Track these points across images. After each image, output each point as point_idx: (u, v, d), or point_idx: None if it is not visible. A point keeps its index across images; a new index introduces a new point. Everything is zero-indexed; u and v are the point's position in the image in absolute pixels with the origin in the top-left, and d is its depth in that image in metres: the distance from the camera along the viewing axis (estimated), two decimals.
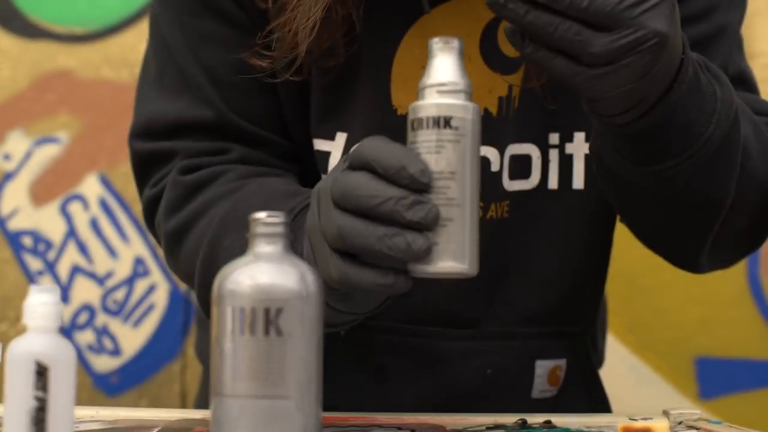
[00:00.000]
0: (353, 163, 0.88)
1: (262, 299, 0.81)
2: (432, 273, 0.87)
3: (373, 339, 1.19)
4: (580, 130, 1.19)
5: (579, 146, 1.19)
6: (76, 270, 2.08)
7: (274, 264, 0.83)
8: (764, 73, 1.97)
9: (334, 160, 1.17)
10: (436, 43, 0.89)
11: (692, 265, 1.17)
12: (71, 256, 2.07)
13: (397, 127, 1.09)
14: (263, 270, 0.82)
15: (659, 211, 1.10)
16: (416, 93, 0.90)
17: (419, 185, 0.85)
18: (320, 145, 1.18)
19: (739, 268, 1.96)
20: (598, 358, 1.35)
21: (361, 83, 1.16)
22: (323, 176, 1.11)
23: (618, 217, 1.24)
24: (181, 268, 1.17)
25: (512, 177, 1.18)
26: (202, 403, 1.39)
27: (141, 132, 1.21)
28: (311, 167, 1.20)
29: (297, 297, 0.82)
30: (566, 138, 1.19)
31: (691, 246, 1.13)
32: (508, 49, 1.11)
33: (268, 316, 0.81)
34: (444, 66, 0.89)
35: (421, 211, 0.85)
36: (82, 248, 2.06)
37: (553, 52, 0.90)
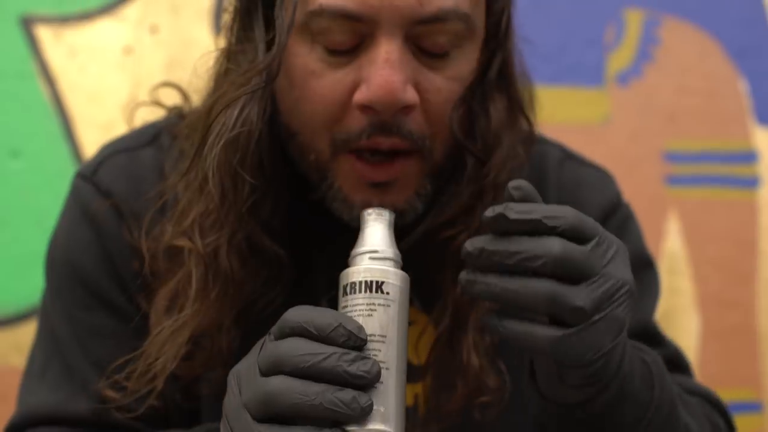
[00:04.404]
0: (281, 333, 0.87)
1: None
2: None
3: None
4: None
5: None
6: None
7: None
8: None
9: None
10: (369, 213, 0.93)
11: None
12: None
13: None
14: None
15: None
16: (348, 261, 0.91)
17: (357, 341, 0.85)
18: None
19: None
20: None
21: None
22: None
23: None
24: None
25: None
26: None
27: (17, 425, 1.15)
28: None
29: None
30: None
31: None
32: (413, 357, 1.07)
33: None
34: (376, 234, 0.92)
35: (365, 365, 0.84)
36: None
37: (531, 323, 0.89)
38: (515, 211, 0.88)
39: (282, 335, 0.86)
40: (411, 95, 0.98)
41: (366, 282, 0.88)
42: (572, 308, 0.87)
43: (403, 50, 0.98)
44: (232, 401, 0.88)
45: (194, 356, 1.06)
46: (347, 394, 0.83)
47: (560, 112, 2.03)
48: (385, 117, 0.98)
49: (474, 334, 1.06)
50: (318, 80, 1.00)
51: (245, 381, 0.87)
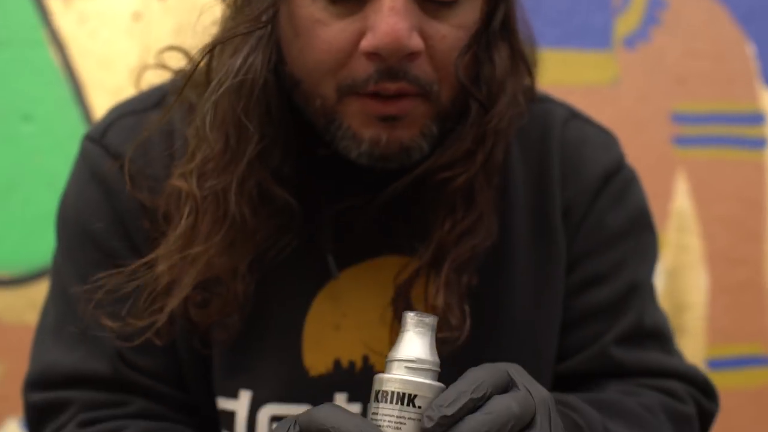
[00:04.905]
0: (306, 429, 0.87)
1: None
2: None
3: None
4: None
5: None
6: None
7: None
8: (697, 324, 2.00)
9: (240, 421, 1.13)
10: (411, 318, 0.89)
11: None
12: None
13: (309, 387, 1.13)
14: None
15: None
16: (384, 364, 0.89)
17: None
18: (224, 403, 1.14)
19: None
20: None
21: (268, 343, 1.13)
22: None
23: None
24: None
25: None
26: None
27: (35, 382, 1.16)
28: (211, 423, 1.17)
29: None
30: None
31: None
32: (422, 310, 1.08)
33: None
34: (414, 342, 0.89)
35: None
36: None
37: None
38: (445, 406, 0.86)
39: None
40: (416, 42, 0.99)
41: (398, 394, 0.87)
42: None
43: None
44: None
45: (210, 303, 1.07)
46: None
47: (568, 75, 2.03)
48: (392, 63, 0.99)
49: (448, 273, 1.07)
50: (323, 29, 1.00)
51: None
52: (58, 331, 1.16)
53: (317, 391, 1.12)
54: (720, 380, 1.86)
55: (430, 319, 0.89)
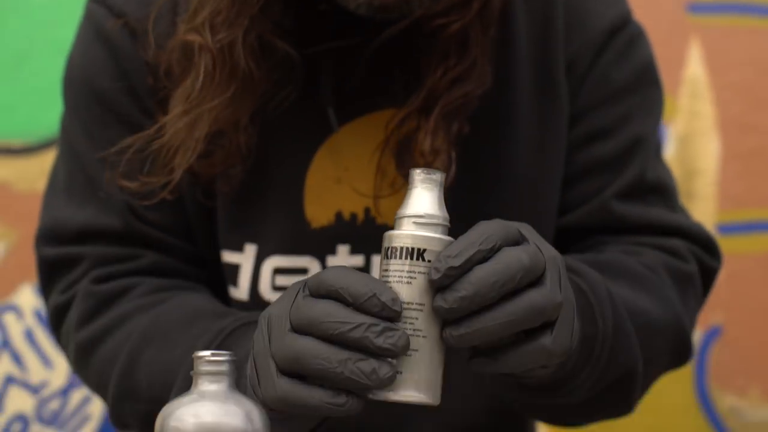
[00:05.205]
0: (316, 291, 0.87)
1: None
2: (393, 400, 0.86)
3: None
4: None
5: None
6: (9, 380, 2.05)
7: (218, 403, 0.80)
8: (708, 190, 2.00)
9: (244, 272, 1.15)
10: (418, 174, 0.89)
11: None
12: (5, 365, 2.05)
13: (311, 238, 1.14)
14: (207, 409, 0.80)
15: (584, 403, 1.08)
16: (393, 221, 0.88)
17: (390, 313, 0.84)
18: (228, 257, 1.16)
19: (687, 377, 1.96)
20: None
21: (271, 196, 1.14)
22: (273, 301, 1.09)
23: None
24: (92, 378, 1.16)
25: None
26: None
27: (47, 236, 1.19)
28: (216, 275, 1.19)
29: None
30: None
31: (620, 407, 1.13)
32: (426, 161, 1.09)
33: None
34: (423, 197, 0.88)
35: (391, 338, 0.83)
36: (17, 358, 2.04)
37: (516, 345, 0.88)
38: (452, 257, 0.85)
39: (318, 294, 0.87)
40: None
41: (407, 248, 0.86)
42: (556, 305, 0.87)
43: None
44: (260, 345, 0.89)
45: (213, 154, 1.08)
46: (369, 365, 0.83)
47: None
48: None
49: (438, 119, 1.07)
50: None
51: (276, 331, 0.87)
52: (68, 189, 1.18)
53: (319, 243, 1.14)
54: (730, 245, 1.89)
55: (437, 175, 0.89)
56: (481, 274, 0.84)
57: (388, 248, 0.87)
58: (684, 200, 1.29)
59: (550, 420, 1.17)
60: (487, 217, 1.14)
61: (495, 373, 0.91)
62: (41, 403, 2.05)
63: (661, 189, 1.22)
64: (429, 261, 0.86)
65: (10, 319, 1.99)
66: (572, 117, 1.19)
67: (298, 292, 0.88)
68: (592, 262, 1.10)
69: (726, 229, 1.96)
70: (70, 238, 1.17)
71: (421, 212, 0.87)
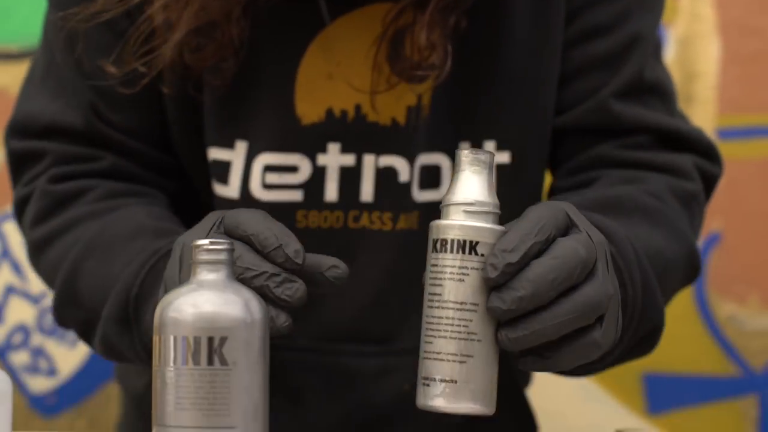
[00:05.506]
0: (231, 231, 0.89)
1: (206, 328, 0.78)
2: (449, 411, 0.82)
3: (283, 358, 1.13)
4: (489, 138, 1.16)
5: None
6: (10, 290, 2.06)
7: (217, 292, 0.80)
8: (707, 93, 1.98)
9: (235, 170, 1.15)
10: (465, 155, 0.83)
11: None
12: (5, 275, 2.05)
13: (301, 135, 1.13)
14: (206, 298, 0.79)
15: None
16: (440, 208, 0.84)
17: (292, 265, 0.85)
18: (217, 154, 1.16)
19: None
20: (523, 377, 1.31)
21: (262, 92, 1.14)
22: (263, 200, 1.10)
23: None
24: (42, 276, 1.19)
25: (422, 187, 1.16)
26: (127, 424, 1.37)
27: (17, 129, 1.20)
28: (199, 181, 1.19)
29: (241, 325, 0.79)
30: (476, 147, 1.16)
31: (644, 352, 1.12)
32: (422, 56, 1.08)
33: (211, 345, 0.78)
34: (471, 182, 0.83)
35: (289, 289, 0.84)
36: (17, 268, 2.04)
37: (569, 341, 0.84)
38: (509, 251, 0.81)
39: (231, 234, 0.88)
40: None
41: (458, 241, 0.81)
42: (609, 297, 0.84)
43: None
44: (171, 272, 0.91)
45: (205, 47, 1.08)
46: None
47: None
48: None
49: (434, 12, 1.06)
50: None
51: (186, 261, 0.89)
52: (42, 82, 1.19)
53: (310, 141, 1.14)
54: (730, 150, 1.88)
55: (486, 156, 0.83)
56: (539, 270, 0.80)
57: (437, 240, 0.82)
58: (683, 104, 1.27)
59: (571, 374, 1.16)
60: (483, 114, 1.14)
61: (544, 371, 0.87)
62: (42, 314, 2.07)
63: (660, 90, 1.21)
64: (482, 255, 0.81)
65: (9, 228, 2.01)
66: (569, 13, 1.17)
67: (214, 225, 0.89)
68: (604, 204, 1.09)
69: (725, 134, 1.95)
70: (37, 132, 1.18)
71: (470, 199, 0.82)
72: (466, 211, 0.82)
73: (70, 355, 1.99)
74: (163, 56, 1.06)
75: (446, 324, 0.81)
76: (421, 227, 1.16)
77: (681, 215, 1.15)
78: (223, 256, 0.81)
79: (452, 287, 0.81)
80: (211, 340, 0.78)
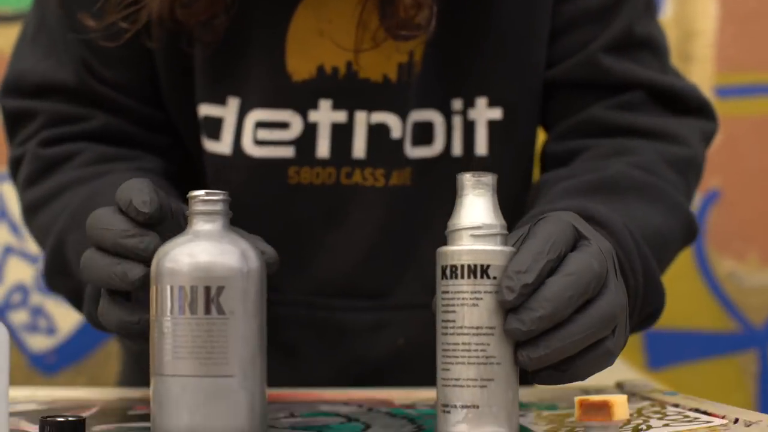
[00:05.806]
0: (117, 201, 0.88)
1: (202, 278, 0.79)
2: None
3: (278, 313, 1.13)
4: (481, 95, 1.16)
5: (481, 112, 1.17)
6: (8, 250, 2.06)
7: (213, 242, 0.80)
8: (705, 52, 1.96)
9: (227, 126, 1.15)
10: (467, 179, 0.82)
11: None
12: (3, 235, 2.06)
13: (292, 92, 1.13)
14: (203, 248, 0.80)
15: None
16: (446, 235, 0.82)
17: (142, 216, 0.84)
18: (209, 110, 1.16)
19: None
20: None
21: (253, 49, 1.14)
22: (255, 156, 1.11)
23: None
24: (34, 238, 1.20)
25: (415, 144, 1.16)
26: (127, 381, 1.38)
27: (10, 87, 1.21)
28: (189, 138, 1.19)
29: (238, 275, 0.79)
30: (469, 104, 1.16)
31: (645, 329, 1.12)
32: (409, 15, 1.07)
33: (208, 294, 0.79)
34: (476, 205, 0.81)
35: (141, 242, 0.84)
36: (14, 228, 2.04)
37: (586, 351, 0.83)
38: (523, 272, 0.79)
39: (116, 204, 0.87)
40: None
41: (470, 266, 0.79)
42: (623, 307, 0.84)
43: None
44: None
45: (196, 1, 1.07)
46: (120, 269, 0.84)
47: None
48: None
49: None
50: None
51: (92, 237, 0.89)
52: (34, 40, 1.19)
53: (301, 97, 1.14)
54: (727, 108, 1.88)
55: (488, 178, 0.82)
56: (555, 288, 0.78)
57: (446, 267, 0.81)
58: (681, 62, 1.27)
59: None
60: (475, 71, 1.14)
61: (561, 384, 0.85)
62: (41, 273, 2.06)
63: (651, 46, 1.21)
64: (494, 278, 0.79)
65: (7, 188, 2.00)
66: None
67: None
68: (598, 187, 1.08)
69: (723, 92, 1.94)
70: (30, 91, 1.18)
71: (477, 222, 0.81)
72: (473, 236, 0.80)
73: (69, 313, 1.99)
74: (150, 9, 1.06)
75: (463, 350, 0.80)
76: (413, 183, 1.17)
77: (676, 185, 1.14)
78: (219, 207, 0.81)
79: (467, 313, 0.80)
80: (208, 289, 0.79)
